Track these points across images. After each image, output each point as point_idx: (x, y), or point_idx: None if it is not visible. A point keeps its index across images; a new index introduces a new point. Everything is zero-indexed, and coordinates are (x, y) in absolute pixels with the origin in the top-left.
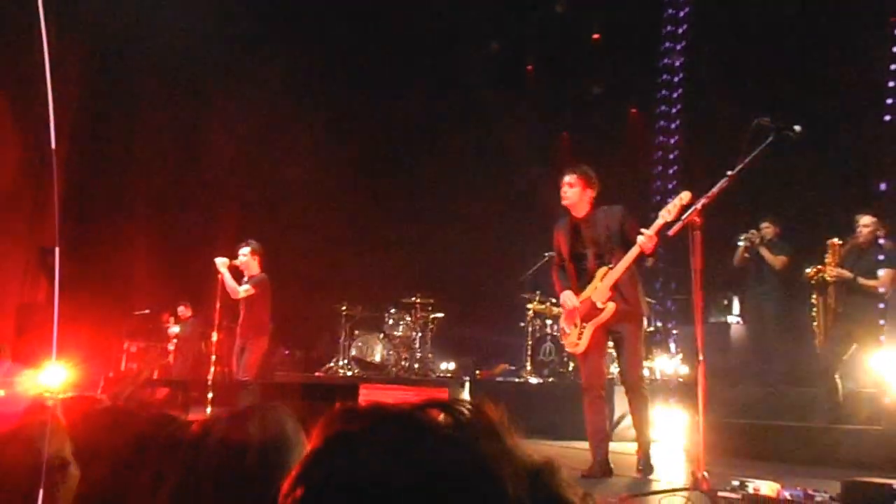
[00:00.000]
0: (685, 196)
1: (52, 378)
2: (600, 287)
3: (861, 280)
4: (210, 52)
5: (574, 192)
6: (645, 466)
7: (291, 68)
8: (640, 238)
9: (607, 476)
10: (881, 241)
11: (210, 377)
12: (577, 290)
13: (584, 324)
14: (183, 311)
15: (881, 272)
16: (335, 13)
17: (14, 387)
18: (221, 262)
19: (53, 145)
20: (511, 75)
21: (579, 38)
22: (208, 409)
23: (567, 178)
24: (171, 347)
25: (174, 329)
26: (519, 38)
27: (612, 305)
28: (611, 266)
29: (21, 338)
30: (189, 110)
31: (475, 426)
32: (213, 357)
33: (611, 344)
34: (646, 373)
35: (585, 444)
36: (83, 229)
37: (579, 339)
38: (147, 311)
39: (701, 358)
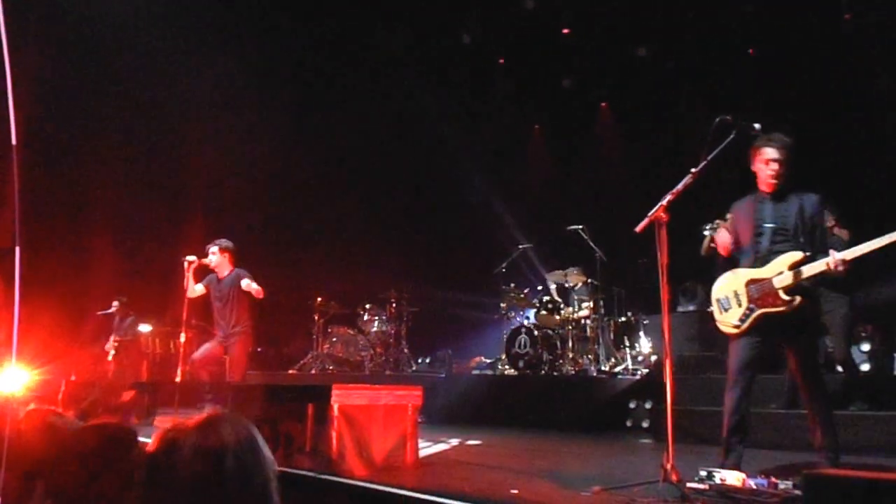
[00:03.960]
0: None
1: (12, 382)
2: (787, 275)
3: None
4: (174, 45)
5: (783, 172)
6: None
7: (259, 60)
8: (832, 258)
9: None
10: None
11: (178, 378)
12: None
13: (752, 306)
14: (117, 306)
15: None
16: (305, 4)
17: None
18: (190, 260)
19: (14, 141)
20: (482, 69)
21: (549, 32)
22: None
23: (774, 154)
24: (107, 347)
25: (143, 328)
26: (489, 32)
27: (798, 300)
28: (807, 254)
29: None
30: (152, 104)
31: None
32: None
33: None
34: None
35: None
36: (42, 228)
37: (741, 319)
38: (111, 311)
39: (667, 350)
